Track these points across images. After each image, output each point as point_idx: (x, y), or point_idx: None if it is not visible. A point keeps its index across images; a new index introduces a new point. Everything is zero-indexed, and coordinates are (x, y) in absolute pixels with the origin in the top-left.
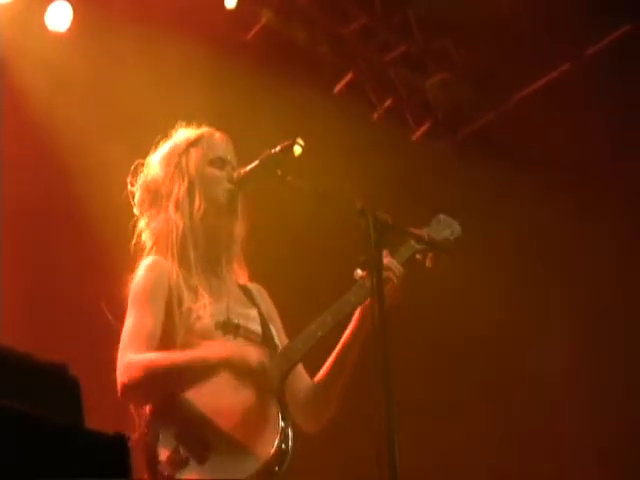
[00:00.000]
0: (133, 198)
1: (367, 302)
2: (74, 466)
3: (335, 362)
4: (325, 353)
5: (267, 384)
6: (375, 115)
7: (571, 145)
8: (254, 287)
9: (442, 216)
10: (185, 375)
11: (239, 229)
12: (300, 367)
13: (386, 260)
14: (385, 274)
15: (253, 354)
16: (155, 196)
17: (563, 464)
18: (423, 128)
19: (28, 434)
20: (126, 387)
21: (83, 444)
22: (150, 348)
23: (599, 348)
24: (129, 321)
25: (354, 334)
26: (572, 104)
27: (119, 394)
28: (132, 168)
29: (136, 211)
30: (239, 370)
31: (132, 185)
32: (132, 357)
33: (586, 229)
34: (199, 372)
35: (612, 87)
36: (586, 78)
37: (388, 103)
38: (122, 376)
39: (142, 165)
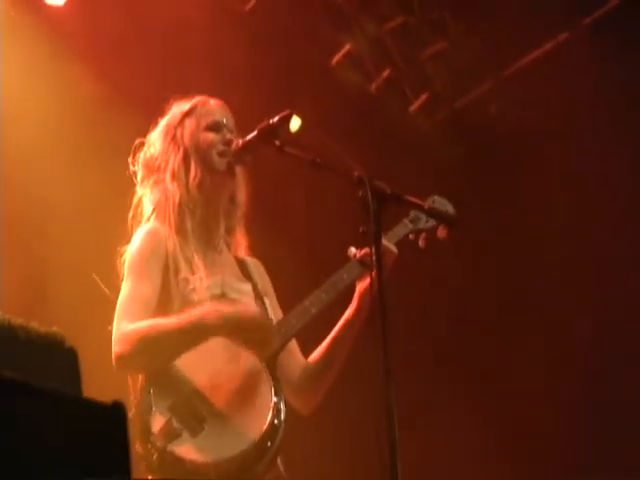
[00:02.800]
0: (135, 177)
1: (365, 280)
2: (72, 435)
3: (334, 341)
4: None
5: (266, 338)
6: (373, 86)
7: (569, 115)
8: (251, 261)
9: (436, 197)
10: (181, 339)
11: (240, 196)
12: (294, 346)
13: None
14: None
15: (249, 310)
16: (153, 169)
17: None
18: (421, 100)
19: (25, 402)
20: (121, 357)
21: (81, 412)
22: (146, 316)
23: None
24: (125, 289)
25: (356, 312)
26: (570, 74)
27: (114, 363)
28: (133, 147)
29: (138, 189)
30: (236, 327)
31: (133, 165)
32: (127, 327)
33: (585, 199)
34: (195, 335)
35: (611, 56)
36: (584, 48)
37: (386, 74)
38: (117, 345)
39: (142, 144)
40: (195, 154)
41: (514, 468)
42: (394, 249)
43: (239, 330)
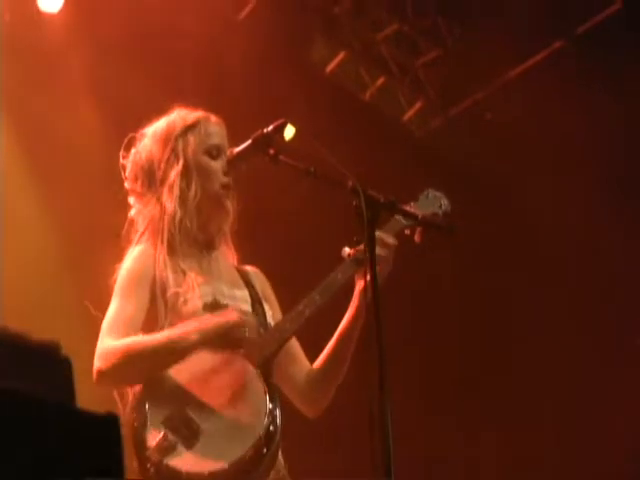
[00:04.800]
0: (124, 170)
1: (362, 282)
2: (66, 444)
3: (339, 343)
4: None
5: (249, 337)
6: (367, 94)
7: (562, 122)
8: (251, 269)
9: (430, 191)
10: (163, 355)
11: (232, 210)
12: (298, 351)
13: (377, 234)
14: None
15: (229, 314)
16: (149, 179)
17: None
18: (415, 107)
19: (18, 412)
20: (101, 373)
21: (74, 423)
22: (130, 334)
23: None
24: (111, 308)
25: (355, 316)
26: (563, 82)
27: (94, 378)
28: (125, 141)
29: (127, 185)
30: (216, 335)
31: (124, 158)
32: (109, 343)
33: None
34: (176, 351)
35: (602, 66)
36: (577, 57)
37: (380, 82)
38: (98, 361)
39: (135, 139)
40: (197, 176)
41: None
42: (393, 240)
43: (218, 337)
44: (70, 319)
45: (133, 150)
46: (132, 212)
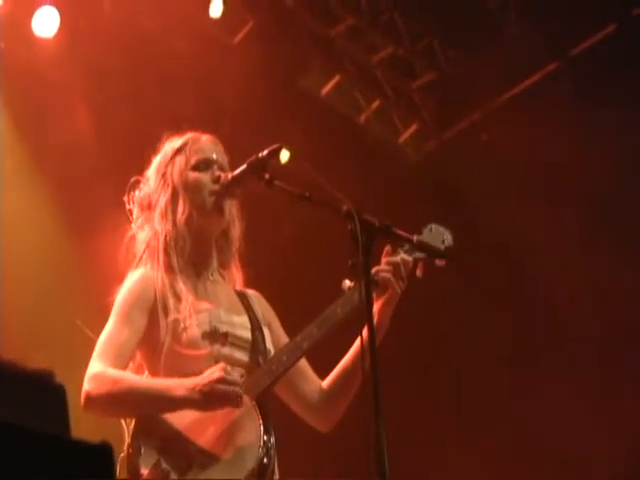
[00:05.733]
0: (131, 215)
1: (380, 302)
2: (58, 475)
3: (349, 368)
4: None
5: (234, 406)
6: (362, 117)
7: (554, 145)
8: (252, 293)
9: (434, 225)
10: (145, 403)
11: (233, 231)
12: (307, 369)
13: (398, 257)
14: (387, 273)
15: (218, 400)
16: (144, 209)
17: None
18: (410, 130)
19: (10, 443)
20: (89, 397)
21: (67, 452)
22: (119, 359)
23: None
24: (105, 331)
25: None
26: (557, 104)
27: (82, 402)
28: (128, 186)
29: (133, 225)
30: (203, 403)
31: (129, 203)
32: (99, 369)
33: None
34: (160, 405)
35: (597, 87)
36: (572, 78)
37: (376, 104)
38: (87, 384)
39: (138, 182)
40: (184, 192)
41: None
42: (409, 258)
43: (206, 405)
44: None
45: (136, 192)
46: (129, 234)
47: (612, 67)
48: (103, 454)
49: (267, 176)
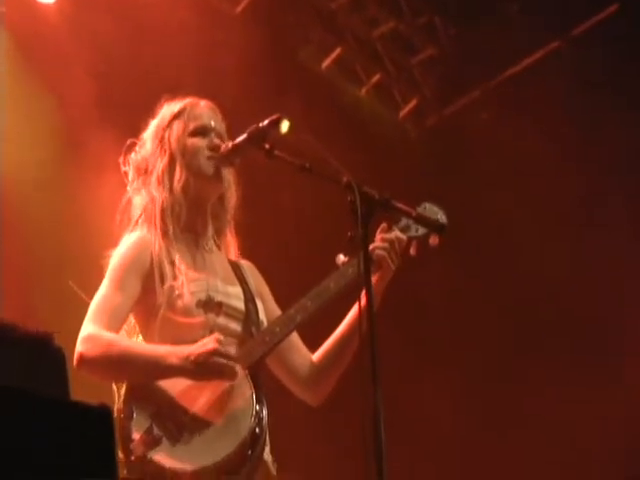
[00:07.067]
0: (127, 177)
1: (375, 278)
2: (57, 437)
3: (341, 341)
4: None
5: (229, 377)
6: (363, 90)
7: (555, 123)
8: (245, 263)
9: (427, 204)
10: (138, 368)
11: (229, 198)
12: (298, 341)
13: (393, 234)
14: (383, 250)
15: (211, 372)
16: (141, 173)
17: None
18: (410, 105)
19: (10, 406)
20: (82, 358)
21: (66, 414)
22: (113, 323)
23: None
24: (99, 292)
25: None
26: (558, 83)
27: (75, 362)
28: (124, 148)
29: (128, 187)
30: (198, 372)
31: (124, 165)
32: (93, 330)
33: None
34: (152, 371)
35: (598, 67)
36: (572, 58)
37: (376, 79)
38: (80, 345)
39: (134, 144)
40: (181, 158)
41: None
42: (404, 236)
43: (200, 375)
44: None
45: (132, 155)
46: (125, 198)
47: (614, 47)
48: (102, 415)
49: (267, 146)
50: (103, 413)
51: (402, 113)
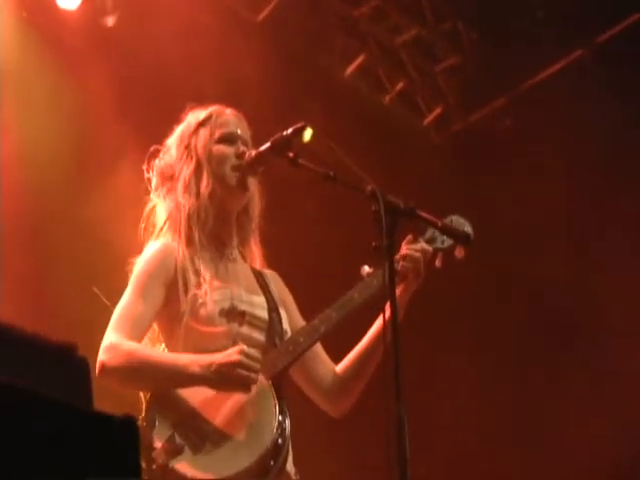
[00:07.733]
0: (150, 184)
1: (400, 286)
2: (83, 448)
3: (365, 353)
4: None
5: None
6: (387, 98)
7: (581, 129)
8: (269, 273)
9: (454, 217)
10: (159, 377)
11: (254, 207)
12: (321, 352)
13: (418, 246)
14: (409, 261)
15: (233, 383)
16: (167, 179)
17: None
18: (435, 113)
19: (34, 415)
20: (104, 367)
21: (89, 425)
22: (135, 331)
23: None
24: (122, 301)
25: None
26: (582, 91)
27: (97, 371)
28: (147, 154)
29: (152, 195)
30: (220, 382)
31: (148, 171)
32: (115, 339)
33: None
34: (174, 380)
35: (623, 74)
36: (597, 65)
37: (400, 86)
38: (102, 355)
39: (158, 151)
40: (208, 165)
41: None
42: (429, 248)
43: (222, 385)
44: None
45: (156, 161)
46: (150, 205)
47: (638, 55)
48: (127, 427)
49: (291, 154)
50: (128, 423)
51: (426, 121)
